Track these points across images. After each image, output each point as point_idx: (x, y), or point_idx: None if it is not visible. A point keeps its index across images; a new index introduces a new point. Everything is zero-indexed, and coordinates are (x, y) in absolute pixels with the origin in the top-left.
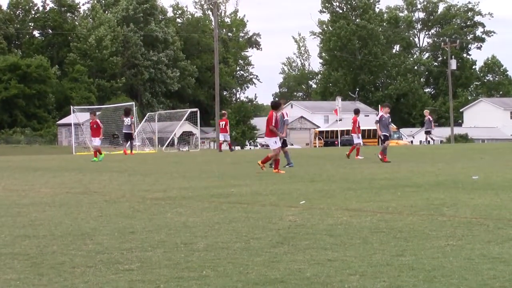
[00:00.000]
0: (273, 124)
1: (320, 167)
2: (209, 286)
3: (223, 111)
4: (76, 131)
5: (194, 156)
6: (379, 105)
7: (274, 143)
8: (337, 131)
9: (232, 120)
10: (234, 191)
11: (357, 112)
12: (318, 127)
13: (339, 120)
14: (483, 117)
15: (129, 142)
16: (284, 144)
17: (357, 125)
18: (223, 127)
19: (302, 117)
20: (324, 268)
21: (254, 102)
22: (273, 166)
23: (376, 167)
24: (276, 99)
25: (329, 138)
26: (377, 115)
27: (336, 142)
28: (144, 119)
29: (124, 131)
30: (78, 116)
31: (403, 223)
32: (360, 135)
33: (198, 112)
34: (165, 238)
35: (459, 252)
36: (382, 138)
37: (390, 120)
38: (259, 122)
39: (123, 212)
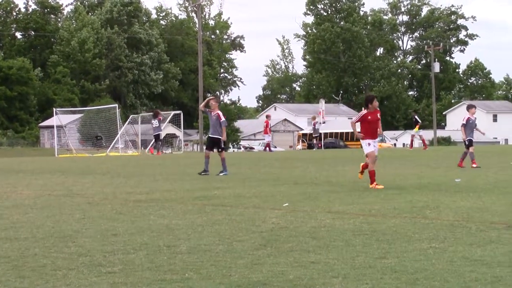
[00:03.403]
0: (353, 121)
1: (303, 170)
2: None
3: (267, 114)
4: (58, 133)
5: (177, 159)
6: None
7: (367, 145)
8: (320, 133)
9: None
10: (217, 193)
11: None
12: (302, 129)
13: (323, 123)
14: None
15: (158, 143)
16: (219, 147)
17: None
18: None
19: (285, 119)
20: (307, 271)
21: (238, 105)
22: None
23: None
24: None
25: (312, 141)
26: (463, 118)
27: (319, 145)
28: (127, 121)
29: (153, 133)
30: (60, 118)
31: (386, 225)
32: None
33: (182, 114)
34: (148, 240)
35: (442, 254)
36: (467, 143)
37: (476, 123)
38: (243, 124)
39: (106, 214)
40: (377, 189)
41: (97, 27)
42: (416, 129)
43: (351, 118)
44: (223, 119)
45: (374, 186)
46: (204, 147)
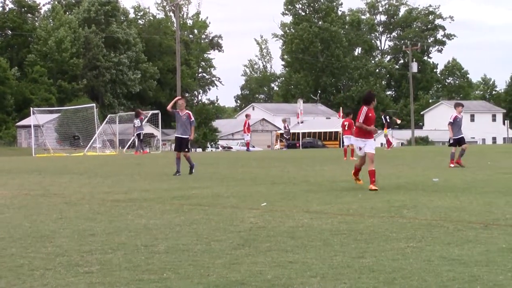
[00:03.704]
0: (361, 121)
1: (281, 169)
2: None
3: (247, 113)
4: (36, 132)
5: (155, 158)
6: (341, 108)
7: (358, 148)
8: (298, 133)
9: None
10: (195, 193)
11: (349, 114)
12: (280, 129)
13: (301, 123)
14: (444, 120)
15: (140, 142)
16: (187, 147)
17: (352, 127)
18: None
19: (263, 119)
20: (285, 270)
21: (216, 104)
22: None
23: (338, 169)
24: (369, 92)
25: (290, 141)
26: (450, 117)
27: (297, 144)
28: (104, 121)
29: (135, 133)
30: (38, 118)
31: (363, 225)
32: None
33: (160, 114)
34: (126, 240)
35: (419, 254)
36: (452, 141)
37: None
38: (221, 124)
39: (83, 214)
40: (372, 189)
41: (75, 27)
42: (385, 130)
43: (329, 118)
44: (193, 119)
45: (372, 186)
46: (175, 147)
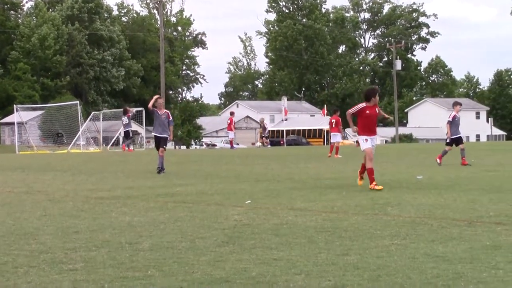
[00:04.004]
0: (350, 112)
1: (266, 167)
2: (154, 285)
3: (231, 111)
4: (19, 130)
5: (139, 156)
6: (325, 105)
7: (363, 141)
8: (282, 130)
9: (177, 120)
10: (180, 190)
11: (336, 111)
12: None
13: (285, 120)
14: (428, 117)
15: (128, 139)
16: (165, 144)
17: (339, 125)
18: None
19: (247, 116)
20: (269, 268)
21: (200, 102)
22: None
23: (322, 166)
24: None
25: (274, 138)
26: (449, 115)
27: (281, 142)
28: (88, 118)
29: (123, 130)
30: (21, 115)
31: (348, 222)
32: (339, 134)
33: (144, 111)
34: (110, 237)
35: (404, 251)
36: (449, 141)
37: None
38: (205, 122)
39: (67, 211)
40: (376, 189)
41: (58, 24)
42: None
43: (314, 116)
44: (171, 118)
45: (373, 186)
46: (155, 146)
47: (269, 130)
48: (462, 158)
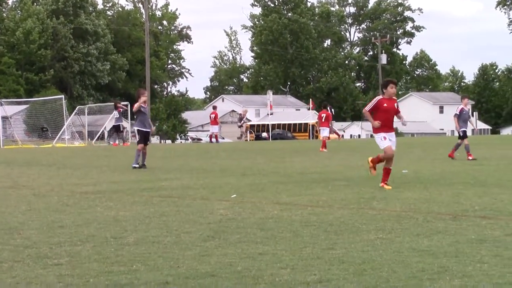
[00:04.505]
0: (366, 109)
1: (251, 161)
2: (139, 280)
3: (214, 105)
4: (4, 124)
5: (124, 150)
6: (311, 99)
7: (382, 139)
8: (268, 125)
9: (162, 114)
10: (165, 184)
11: (325, 106)
12: (249, 120)
13: (270, 114)
14: (413, 112)
15: (119, 134)
16: (146, 140)
17: (329, 119)
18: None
19: (233, 110)
20: (255, 262)
21: (185, 96)
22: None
23: (307, 160)
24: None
25: (260, 132)
26: (457, 109)
27: (267, 136)
28: (73, 112)
29: (114, 124)
30: (6, 109)
31: (333, 216)
32: (328, 128)
33: (129, 105)
34: (95, 232)
35: (389, 245)
36: (461, 134)
37: (469, 114)
38: (190, 116)
39: (52, 206)
40: (385, 189)
41: (43, 18)
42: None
43: (299, 110)
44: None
45: (383, 185)
46: (138, 141)
47: (244, 122)
48: (453, 150)
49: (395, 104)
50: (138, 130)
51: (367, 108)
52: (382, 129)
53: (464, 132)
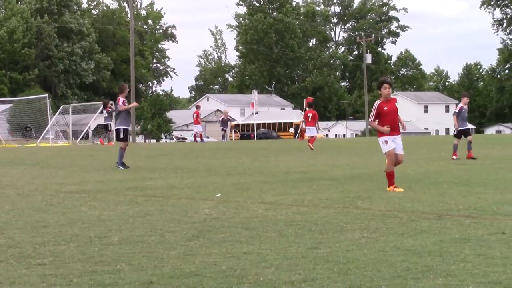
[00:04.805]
0: (370, 119)
1: (236, 160)
2: (123, 280)
3: (197, 104)
4: None
5: (109, 149)
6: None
7: (383, 143)
8: (253, 124)
9: (147, 113)
10: (150, 184)
11: (312, 105)
12: (234, 120)
13: (255, 114)
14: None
15: (107, 133)
16: (126, 139)
17: (315, 119)
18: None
19: (218, 110)
20: (239, 261)
21: (170, 95)
22: None
23: (293, 160)
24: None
25: (245, 131)
26: (456, 106)
27: (252, 135)
28: (58, 112)
29: (103, 123)
30: None
31: (318, 216)
32: (314, 127)
33: (114, 104)
34: (79, 232)
35: (373, 244)
36: (456, 133)
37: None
38: (175, 115)
39: (36, 205)
40: (396, 191)
41: (27, 16)
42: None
43: (284, 109)
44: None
45: (392, 189)
46: (123, 139)
47: (220, 121)
48: (468, 151)
49: (396, 104)
50: (124, 128)
51: (370, 118)
52: (385, 133)
53: (464, 130)
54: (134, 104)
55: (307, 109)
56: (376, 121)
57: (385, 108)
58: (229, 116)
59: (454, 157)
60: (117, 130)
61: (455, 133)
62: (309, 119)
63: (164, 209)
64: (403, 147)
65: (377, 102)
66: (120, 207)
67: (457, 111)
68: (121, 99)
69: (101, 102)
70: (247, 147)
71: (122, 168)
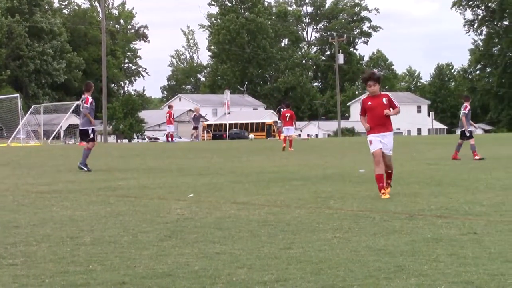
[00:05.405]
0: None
1: (208, 160)
2: (95, 280)
3: (170, 104)
4: None
5: (80, 149)
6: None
7: (369, 143)
8: (225, 124)
9: (119, 113)
10: (122, 184)
11: (288, 105)
12: (207, 120)
13: (228, 114)
14: None
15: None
16: (94, 139)
17: (293, 118)
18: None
19: (190, 110)
20: (212, 262)
21: (142, 95)
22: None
23: (265, 160)
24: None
25: (217, 132)
26: (463, 108)
27: (224, 135)
28: (29, 111)
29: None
30: None
31: (291, 216)
32: (292, 127)
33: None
34: (51, 232)
35: (346, 244)
36: (468, 134)
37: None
38: (147, 115)
39: (7, 206)
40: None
41: None
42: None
43: (256, 109)
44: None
45: (380, 195)
46: (92, 139)
47: (201, 121)
48: (455, 152)
49: (384, 99)
50: (93, 129)
51: (360, 113)
52: (371, 131)
53: (471, 132)
54: (94, 122)
55: (283, 109)
56: (366, 117)
57: (369, 103)
58: (200, 113)
59: (477, 157)
60: (85, 130)
61: (467, 134)
62: (287, 119)
63: (136, 209)
64: (392, 147)
65: (363, 96)
66: (92, 207)
67: (466, 112)
68: (89, 99)
69: (73, 102)
70: (220, 147)
71: (85, 169)
